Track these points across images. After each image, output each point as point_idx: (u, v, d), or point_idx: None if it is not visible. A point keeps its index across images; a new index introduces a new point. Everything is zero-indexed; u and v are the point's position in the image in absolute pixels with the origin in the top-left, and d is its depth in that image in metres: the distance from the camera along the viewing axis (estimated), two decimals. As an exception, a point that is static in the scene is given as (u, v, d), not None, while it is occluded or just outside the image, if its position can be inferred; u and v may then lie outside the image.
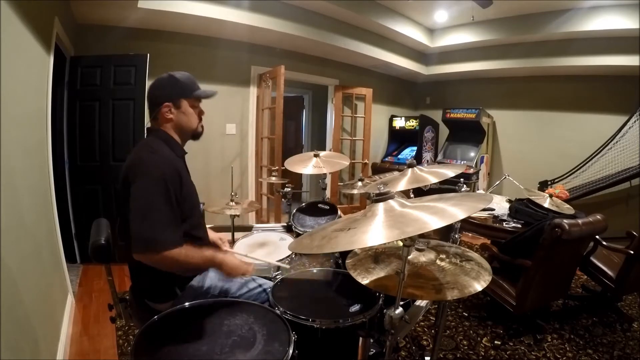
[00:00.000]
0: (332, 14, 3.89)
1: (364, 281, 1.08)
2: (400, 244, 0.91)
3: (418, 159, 5.32)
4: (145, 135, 1.33)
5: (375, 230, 0.85)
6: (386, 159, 5.75)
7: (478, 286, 0.99)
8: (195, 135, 1.37)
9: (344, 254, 1.60)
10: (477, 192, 4.24)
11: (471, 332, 2.30)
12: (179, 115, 1.30)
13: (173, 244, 1.07)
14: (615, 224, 2.42)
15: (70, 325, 2.23)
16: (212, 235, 1.56)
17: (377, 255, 1.23)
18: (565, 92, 4.72)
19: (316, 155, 2.25)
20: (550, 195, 2.41)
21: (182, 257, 1.09)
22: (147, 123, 1.36)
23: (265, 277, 1.49)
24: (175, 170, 1.18)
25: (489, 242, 2.65)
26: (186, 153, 1.37)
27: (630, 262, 2.20)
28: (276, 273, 1.65)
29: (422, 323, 2.36)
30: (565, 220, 1.85)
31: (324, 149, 5.14)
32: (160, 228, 1.07)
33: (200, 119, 1.37)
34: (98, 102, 3.08)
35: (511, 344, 2.16)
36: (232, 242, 1.89)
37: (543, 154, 4.93)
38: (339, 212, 2.20)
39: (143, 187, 1.10)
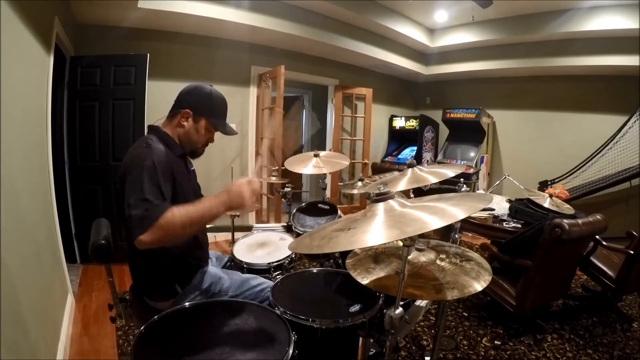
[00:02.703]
0: (332, 14, 3.89)
1: (364, 281, 1.08)
2: (400, 244, 0.91)
3: (418, 159, 5.31)
4: (146, 132, 1.33)
5: (375, 230, 0.85)
6: (386, 159, 5.75)
7: (478, 286, 0.99)
8: (194, 153, 1.38)
9: (344, 254, 1.60)
10: (477, 192, 4.24)
11: (471, 332, 2.30)
12: (191, 127, 1.30)
13: (162, 209, 1.04)
14: (615, 224, 2.42)
15: (70, 325, 2.23)
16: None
17: (377, 255, 1.23)
18: (565, 92, 4.72)
19: (316, 155, 2.25)
20: (550, 195, 2.41)
21: (181, 216, 1.04)
22: (153, 122, 1.35)
23: (265, 277, 1.49)
24: (167, 165, 1.17)
25: (489, 242, 2.65)
26: (184, 153, 1.36)
27: (630, 262, 2.20)
28: (276, 273, 1.65)
29: (422, 323, 2.36)
30: (565, 220, 1.85)
31: (324, 149, 5.14)
32: (150, 202, 1.04)
33: (206, 144, 1.38)
34: (98, 102, 3.08)
35: (511, 344, 2.16)
36: (232, 241, 1.89)
37: (543, 154, 4.92)
38: (339, 212, 2.20)
39: (135, 177, 1.09)
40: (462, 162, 4.95)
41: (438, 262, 1.14)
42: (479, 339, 2.22)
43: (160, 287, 1.25)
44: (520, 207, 2.56)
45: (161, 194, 1.09)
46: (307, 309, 1.15)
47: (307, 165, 2.19)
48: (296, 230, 2.07)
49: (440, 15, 4.38)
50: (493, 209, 2.72)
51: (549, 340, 2.22)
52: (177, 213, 1.05)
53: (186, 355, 0.90)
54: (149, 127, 1.33)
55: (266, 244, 1.88)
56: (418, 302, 1.49)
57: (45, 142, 2.19)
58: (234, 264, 1.67)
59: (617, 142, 3.90)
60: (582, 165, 4.20)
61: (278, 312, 1.11)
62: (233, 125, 4.08)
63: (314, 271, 1.50)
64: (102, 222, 1.26)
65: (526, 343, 2.17)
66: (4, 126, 1.35)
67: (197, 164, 1.50)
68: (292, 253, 1.71)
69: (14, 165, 1.49)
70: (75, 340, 2.12)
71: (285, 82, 3.87)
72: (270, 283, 1.38)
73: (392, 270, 1.11)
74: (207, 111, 1.31)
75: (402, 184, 1.48)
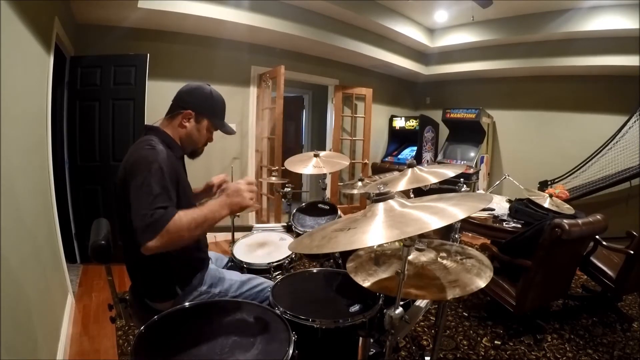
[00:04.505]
0: (332, 14, 3.89)
1: (366, 284, 1.07)
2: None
3: (418, 159, 5.31)
4: (144, 133, 1.29)
5: (375, 230, 0.85)
6: (386, 159, 5.75)
7: (481, 282, 0.99)
8: (194, 153, 1.39)
9: (344, 254, 1.60)
10: (477, 192, 4.24)
11: (471, 332, 2.30)
12: (193, 128, 1.30)
13: (170, 214, 1.02)
14: (615, 224, 2.42)
15: (70, 325, 2.23)
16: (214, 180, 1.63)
17: (377, 257, 1.23)
18: (565, 92, 4.72)
19: (316, 155, 2.24)
20: (550, 195, 2.41)
21: (187, 219, 1.04)
22: (150, 123, 1.34)
23: (265, 277, 1.49)
24: (172, 167, 1.17)
25: (489, 242, 2.65)
26: (184, 154, 1.37)
27: (630, 262, 2.20)
28: (276, 273, 1.65)
29: (422, 323, 2.36)
30: (565, 220, 1.85)
31: (324, 149, 5.14)
32: (157, 209, 1.02)
33: (206, 144, 1.39)
34: (98, 102, 3.08)
35: (511, 344, 2.16)
36: (232, 241, 1.89)
37: (543, 154, 4.92)
38: (339, 212, 2.20)
39: (142, 181, 1.07)
40: (462, 162, 4.95)
41: (439, 259, 1.15)
42: (479, 339, 2.22)
43: (160, 288, 1.25)
44: (520, 207, 2.56)
45: (169, 198, 1.08)
46: (307, 309, 1.15)
47: (307, 165, 2.19)
48: (296, 230, 2.07)
49: (440, 15, 4.39)
50: (493, 209, 2.72)
51: (549, 340, 2.22)
52: (184, 216, 1.04)
53: (186, 355, 0.90)
54: (147, 127, 1.30)
55: (266, 244, 1.88)
56: (418, 302, 1.49)
57: (45, 142, 2.19)
58: (234, 264, 1.67)
59: (617, 142, 3.90)
60: (582, 165, 4.20)
61: (278, 312, 1.10)
62: (233, 126, 4.10)
63: (314, 271, 1.50)
64: (102, 222, 1.26)
65: (526, 343, 2.17)
66: (4, 126, 1.35)
67: (197, 164, 1.50)
68: (292, 253, 1.71)
69: (14, 165, 1.49)
70: (75, 340, 2.12)
71: (285, 82, 3.87)
72: (270, 283, 1.38)
73: (394, 271, 1.11)
74: (208, 112, 1.31)
75: (402, 184, 1.48)
